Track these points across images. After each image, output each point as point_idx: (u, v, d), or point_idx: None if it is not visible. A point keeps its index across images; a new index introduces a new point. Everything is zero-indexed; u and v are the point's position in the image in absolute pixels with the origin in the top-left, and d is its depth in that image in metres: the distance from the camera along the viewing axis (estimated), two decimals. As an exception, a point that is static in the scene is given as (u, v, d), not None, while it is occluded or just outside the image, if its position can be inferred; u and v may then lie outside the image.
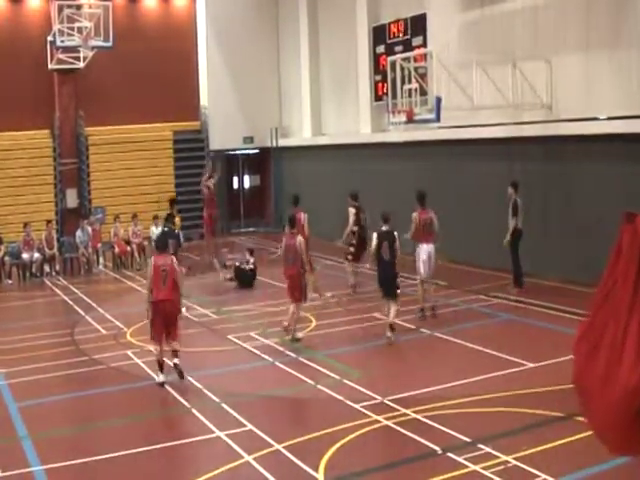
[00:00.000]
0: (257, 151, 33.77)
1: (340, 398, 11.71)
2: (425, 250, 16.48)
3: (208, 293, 20.06)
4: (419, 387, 12.00)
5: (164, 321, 12.80)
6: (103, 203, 29.43)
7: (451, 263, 21.95)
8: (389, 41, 25.95)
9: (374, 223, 16.84)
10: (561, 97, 19.42)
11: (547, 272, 19.28)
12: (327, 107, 30.48)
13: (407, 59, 19.17)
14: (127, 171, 30.56)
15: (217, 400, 11.92)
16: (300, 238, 15.27)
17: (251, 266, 20.91)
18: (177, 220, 20.65)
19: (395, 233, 15.00)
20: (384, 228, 15.02)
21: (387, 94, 20.26)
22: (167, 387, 12.65)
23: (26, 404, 12.20)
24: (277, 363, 13.78)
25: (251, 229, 33.23)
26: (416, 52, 21.21)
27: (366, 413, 10.99)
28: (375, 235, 15.10)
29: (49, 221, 25.36)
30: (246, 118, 32.61)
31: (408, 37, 25.01)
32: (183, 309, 17.32)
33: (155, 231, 25.42)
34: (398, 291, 15.12)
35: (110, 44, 27.52)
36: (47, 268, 24.21)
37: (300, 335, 15.27)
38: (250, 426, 10.68)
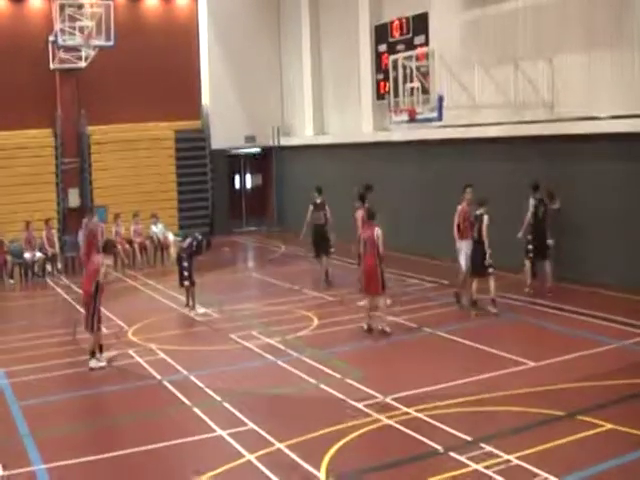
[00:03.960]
0: (259, 150, 33.78)
1: (342, 397, 11.71)
2: (466, 245, 16.97)
3: (209, 292, 20.02)
4: (421, 386, 12.00)
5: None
6: (105, 202, 29.42)
7: (454, 262, 21.99)
8: (391, 40, 25.95)
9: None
10: (563, 96, 19.42)
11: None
12: (329, 106, 30.49)
13: (409, 58, 19.17)
14: (129, 170, 30.53)
15: (219, 399, 11.93)
16: (378, 230, 15.37)
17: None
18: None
19: (485, 216, 16.28)
20: (477, 212, 16.46)
21: (389, 93, 20.27)
22: (169, 386, 12.68)
23: (28, 403, 12.20)
24: (279, 362, 13.78)
25: (253, 228, 33.24)
26: (418, 51, 21.20)
27: (368, 412, 10.99)
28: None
29: (48, 220, 25.30)
30: (248, 117, 32.60)
31: (410, 36, 25.01)
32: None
33: (155, 229, 25.44)
34: (490, 270, 16.44)
35: (112, 43, 27.54)
36: (49, 267, 24.22)
37: (388, 329, 15.29)
38: (252, 425, 10.69)
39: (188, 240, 18.51)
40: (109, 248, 15.05)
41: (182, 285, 18.29)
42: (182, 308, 18.31)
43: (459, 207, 16.99)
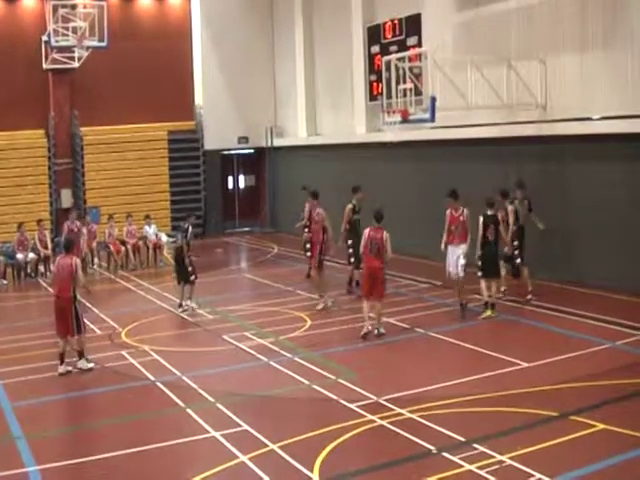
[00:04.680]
0: (252, 151, 33.78)
1: (335, 398, 11.71)
2: (452, 250, 16.47)
3: (202, 293, 19.97)
4: (414, 387, 12.00)
5: (57, 315, 13.88)
6: (98, 203, 29.42)
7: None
8: (384, 41, 25.96)
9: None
10: (556, 97, 19.45)
11: (542, 272, 19.29)
12: (322, 107, 30.48)
13: (402, 59, 19.16)
14: (122, 171, 30.58)
15: (212, 400, 11.92)
16: (386, 233, 15.18)
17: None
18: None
19: (499, 216, 16.49)
20: (489, 212, 16.37)
21: (382, 94, 20.28)
22: (162, 387, 12.66)
23: (21, 404, 12.18)
24: (272, 363, 13.77)
25: (246, 229, 33.22)
26: (411, 52, 21.21)
27: (361, 413, 10.98)
28: (482, 219, 16.33)
29: (39, 221, 25.16)
30: (241, 118, 32.62)
31: (403, 37, 25.03)
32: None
33: (149, 230, 25.40)
34: (503, 271, 16.84)
35: (105, 44, 27.55)
36: (42, 268, 24.17)
37: (383, 330, 15.18)
38: (245, 426, 10.68)
39: (180, 235, 18.64)
40: (69, 248, 14.51)
41: (188, 281, 18.33)
42: (175, 309, 18.29)
43: (447, 212, 16.62)
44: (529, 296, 17.41)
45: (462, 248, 16.39)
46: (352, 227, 18.70)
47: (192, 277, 18.25)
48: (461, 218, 16.43)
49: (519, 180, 18.38)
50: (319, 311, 17.46)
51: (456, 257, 16.41)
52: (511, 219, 17.38)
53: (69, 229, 23.42)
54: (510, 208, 17.48)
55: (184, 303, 18.20)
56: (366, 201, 19.00)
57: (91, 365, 13.81)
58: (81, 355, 13.81)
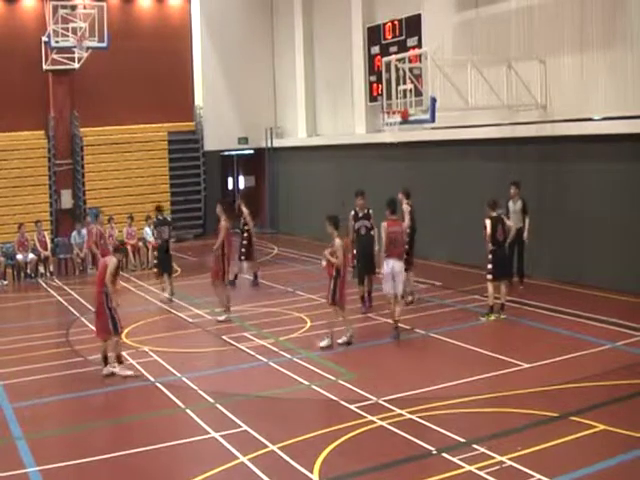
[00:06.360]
0: (252, 152, 33.78)
1: (335, 399, 11.71)
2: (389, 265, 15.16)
3: (202, 294, 19.96)
4: (414, 387, 12.00)
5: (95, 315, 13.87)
6: (98, 204, 29.38)
7: (447, 263, 22.05)
8: (384, 42, 25.98)
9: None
10: (556, 97, 19.46)
11: (542, 272, 19.31)
12: (322, 108, 30.49)
13: (402, 60, 19.16)
14: (122, 172, 30.60)
15: (212, 401, 11.92)
16: (404, 224, 15.02)
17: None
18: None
19: (504, 217, 16.60)
20: (494, 214, 16.18)
21: (382, 95, 20.27)
22: (162, 388, 12.66)
23: (21, 405, 12.18)
24: (271, 363, 13.77)
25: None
26: (411, 53, 21.21)
27: (361, 413, 10.98)
28: (489, 221, 16.06)
29: (37, 221, 25.19)
30: (241, 119, 32.63)
31: (403, 38, 25.04)
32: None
33: (149, 231, 25.39)
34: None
35: (105, 45, 27.54)
36: (42, 269, 24.16)
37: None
38: (245, 427, 10.68)
39: (167, 228, 19.77)
40: (116, 248, 14.92)
41: (172, 271, 19.74)
42: (174, 310, 18.30)
43: (384, 223, 15.27)
44: (409, 298, 17.17)
45: (397, 264, 15.19)
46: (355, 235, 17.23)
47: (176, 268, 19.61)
48: (397, 230, 15.25)
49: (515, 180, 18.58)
50: (219, 322, 17.08)
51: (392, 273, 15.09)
52: (406, 220, 16.70)
53: (93, 235, 23.54)
54: (405, 207, 16.97)
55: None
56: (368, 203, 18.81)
57: (130, 372, 13.36)
58: (119, 360, 13.41)
